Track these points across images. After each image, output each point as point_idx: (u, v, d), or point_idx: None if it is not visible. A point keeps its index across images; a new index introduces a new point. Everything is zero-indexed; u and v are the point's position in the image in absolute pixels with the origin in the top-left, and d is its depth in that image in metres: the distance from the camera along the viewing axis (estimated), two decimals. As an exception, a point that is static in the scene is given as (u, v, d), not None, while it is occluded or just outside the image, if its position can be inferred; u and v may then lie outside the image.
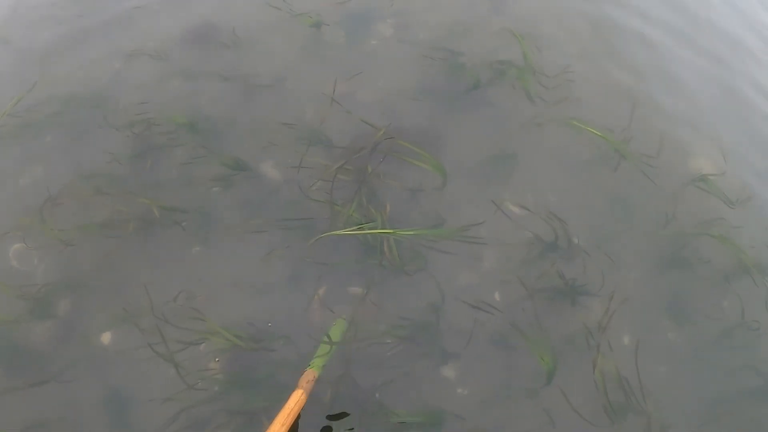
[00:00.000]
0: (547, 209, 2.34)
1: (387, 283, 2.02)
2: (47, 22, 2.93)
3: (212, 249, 2.09)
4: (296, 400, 1.65)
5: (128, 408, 1.79)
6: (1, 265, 2.06)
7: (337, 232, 2.06)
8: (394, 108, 2.58)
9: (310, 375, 1.74)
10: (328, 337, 1.85)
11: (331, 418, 1.80)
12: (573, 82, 2.81)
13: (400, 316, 1.95)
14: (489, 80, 2.76)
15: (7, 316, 1.93)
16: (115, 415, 1.78)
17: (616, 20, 3.23)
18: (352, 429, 1.76)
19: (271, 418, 1.66)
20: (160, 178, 2.27)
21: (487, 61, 2.83)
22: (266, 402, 1.79)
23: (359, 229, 2.06)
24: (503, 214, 2.26)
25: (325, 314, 1.95)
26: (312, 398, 1.78)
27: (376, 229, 2.04)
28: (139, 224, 2.13)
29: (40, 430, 1.74)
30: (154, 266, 2.04)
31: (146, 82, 2.60)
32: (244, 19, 2.91)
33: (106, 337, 1.92)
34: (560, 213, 2.35)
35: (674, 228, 2.43)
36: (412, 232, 2.03)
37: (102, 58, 2.73)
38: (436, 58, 2.82)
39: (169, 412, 1.77)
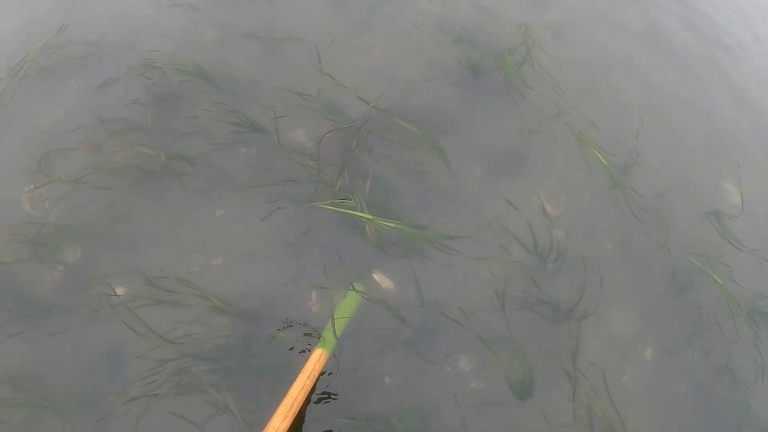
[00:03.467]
0: (546, 217, 2.27)
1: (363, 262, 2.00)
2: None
3: (200, 204, 2.11)
4: (316, 359, 1.58)
5: (123, 362, 1.82)
6: (13, 207, 2.11)
7: (318, 203, 2.04)
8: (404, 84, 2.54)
9: (317, 355, 1.67)
10: (341, 311, 1.82)
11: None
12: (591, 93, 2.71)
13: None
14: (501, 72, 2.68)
15: (14, 258, 1.99)
16: (108, 367, 1.81)
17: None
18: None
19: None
20: (175, 129, 2.29)
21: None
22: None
23: (340, 205, 2.03)
24: (499, 219, 2.20)
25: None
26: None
27: (356, 209, 2.02)
28: (145, 175, 2.16)
29: (33, 378, 1.80)
30: (162, 219, 2.07)
31: (175, 31, 2.64)
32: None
33: (109, 288, 1.95)
34: (559, 222, 2.28)
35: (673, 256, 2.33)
36: (392, 224, 1.99)
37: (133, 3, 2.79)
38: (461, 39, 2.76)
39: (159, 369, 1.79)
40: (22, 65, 2.62)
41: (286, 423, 1.37)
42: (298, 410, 1.43)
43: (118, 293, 1.89)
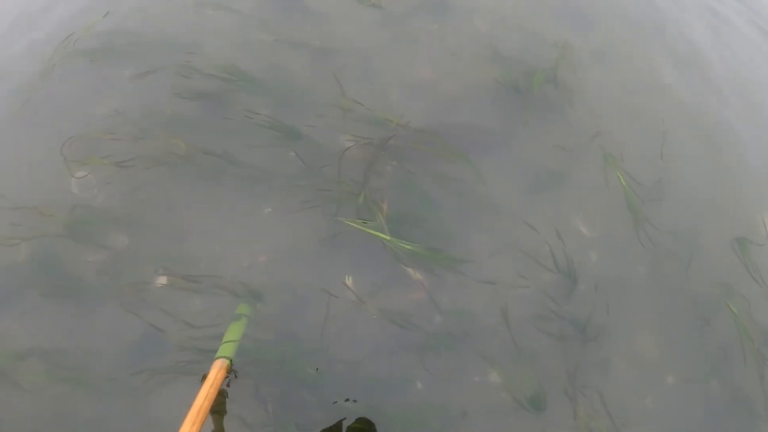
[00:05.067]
0: (574, 240, 2.29)
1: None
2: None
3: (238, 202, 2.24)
4: (218, 368, 1.66)
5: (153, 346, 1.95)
6: (62, 189, 2.24)
7: (342, 219, 2.13)
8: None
9: (219, 364, 1.71)
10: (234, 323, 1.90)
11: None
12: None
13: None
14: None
15: (58, 236, 2.12)
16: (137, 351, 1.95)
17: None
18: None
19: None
20: (217, 127, 2.39)
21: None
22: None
23: (362, 224, 2.12)
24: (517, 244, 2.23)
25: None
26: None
27: (378, 226, 2.10)
28: (188, 168, 2.27)
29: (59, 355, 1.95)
30: (204, 212, 2.19)
31: (220, 32, 2.69)
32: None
33: (152, 277, 2.08)
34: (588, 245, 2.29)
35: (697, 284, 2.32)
36: (408, 246, 2.08)
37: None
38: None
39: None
40: (66, 45, 2.74)
41: (195, 429, 1.49)
42: (204, 418, 1.55)
43: (160, 282, 2.05)
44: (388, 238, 2.07)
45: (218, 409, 1.86)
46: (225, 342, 1.83)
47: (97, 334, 1.98)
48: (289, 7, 2.79)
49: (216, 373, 1.67)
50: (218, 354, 1.77)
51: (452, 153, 2.37)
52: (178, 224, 2.17)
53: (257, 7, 2.78)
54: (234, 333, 1.87)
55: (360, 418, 1.86)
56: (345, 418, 1.85)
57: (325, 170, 2.28)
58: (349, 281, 2.06)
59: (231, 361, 1.77)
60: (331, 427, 1.85)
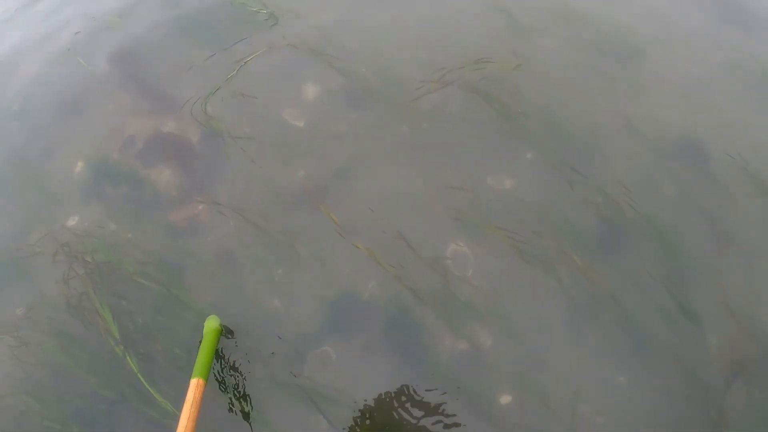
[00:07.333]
0: None
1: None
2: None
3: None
4: (194, 388, 1.78)
5: None
6: (438, 254, 2.31)
7: None
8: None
9: (194, 384, 1.82)
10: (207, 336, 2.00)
11: None
12: None
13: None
14: None
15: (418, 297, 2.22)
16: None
17: None
18: None
19: None
20: (615, 266, 2.33)
21: None
22: None
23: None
24: None
25: None
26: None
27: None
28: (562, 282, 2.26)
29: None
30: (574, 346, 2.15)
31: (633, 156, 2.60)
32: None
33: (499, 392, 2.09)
34: None
35: None
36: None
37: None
38: None
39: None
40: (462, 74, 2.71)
41: None
42: None
43: (504, 400, 2.07)
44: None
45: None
46: (199, 360, 1.91)
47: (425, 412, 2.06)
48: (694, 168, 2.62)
49: (194, 392, 1.78)
50: (194, 374, 1.87)
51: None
52: (541, 342, 2.16)
53: (664, 157, 2.63)
54: (206, 349, 1.95)
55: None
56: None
57: (688, 359, 2.16)
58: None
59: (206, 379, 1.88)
60: None
